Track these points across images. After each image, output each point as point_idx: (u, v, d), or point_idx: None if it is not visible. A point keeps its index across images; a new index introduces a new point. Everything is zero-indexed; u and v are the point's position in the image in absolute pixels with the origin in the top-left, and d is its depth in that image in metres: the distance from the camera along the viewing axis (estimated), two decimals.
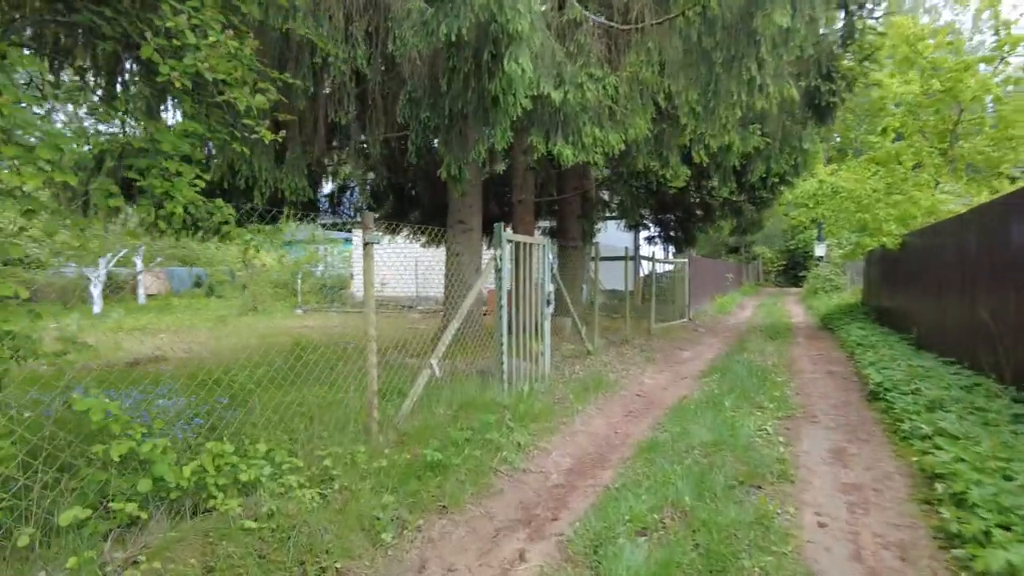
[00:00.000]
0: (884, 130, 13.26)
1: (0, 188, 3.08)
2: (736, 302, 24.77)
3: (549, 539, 3.56)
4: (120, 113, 5.66)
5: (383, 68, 7.11)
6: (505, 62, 4.66)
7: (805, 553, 3.37)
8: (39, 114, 4.13)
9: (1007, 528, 3.30)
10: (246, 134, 4.62)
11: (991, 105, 13.90)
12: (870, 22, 9.11)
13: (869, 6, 8.82)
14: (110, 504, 2.99)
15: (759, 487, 4.33)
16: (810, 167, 9.19)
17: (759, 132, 7.54)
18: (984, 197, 11.60)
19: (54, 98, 5.60)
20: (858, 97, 14.62)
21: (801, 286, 35.51)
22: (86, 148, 6.50)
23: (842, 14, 8.61)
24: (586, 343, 9.25)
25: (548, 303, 7.61)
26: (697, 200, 14.28)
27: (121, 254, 22.91)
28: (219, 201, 3.72)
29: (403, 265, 23.11)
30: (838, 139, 19.43)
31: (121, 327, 16.45)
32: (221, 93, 3.77)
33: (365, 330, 4.50)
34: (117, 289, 27.96)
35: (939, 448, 4.64)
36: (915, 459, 4.76)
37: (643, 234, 19.68)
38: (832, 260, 25.71)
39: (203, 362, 10.03)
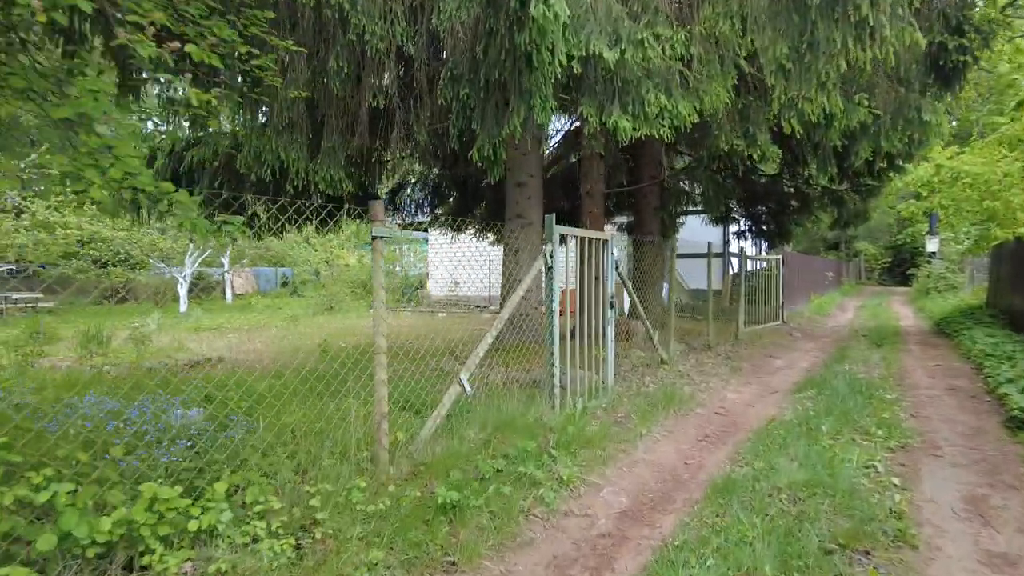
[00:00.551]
0: (1021, 104, 11.33)
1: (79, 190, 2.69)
2: (835, 303, 22.65)
3: None
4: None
5: (429, 48, 6.42)
6: (532, 5, 3.79)
7: None
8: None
9: None
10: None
11: None
12: None
13: None
14: None
15: (867, 553, 3.27)
16: (929, 145, 7.71)
17: (866, 103, 6.28)
18: None
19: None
20: (983, 71, 12.72)
21: (909, 285, 32.41)
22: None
23: None
24: (659, 350, 8.22)
25: (611, 306, 6.68)
26: (791, 189, 12.82)
27: (205, 254, 23.60)
28: (167, 185, 3.07)
29: (476, 264, 22.58)
30: (954, 123, 17.21)
31: (199, 326, 16.77)
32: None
33: (374, 339, 3.77)
34: (207, 289, 29.11)
35: None
36: None
37: (732, 228, 18.18)
38: (947, 256, 23.08)
39: (251, 365, 9.75)
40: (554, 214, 5.64)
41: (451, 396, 4.37)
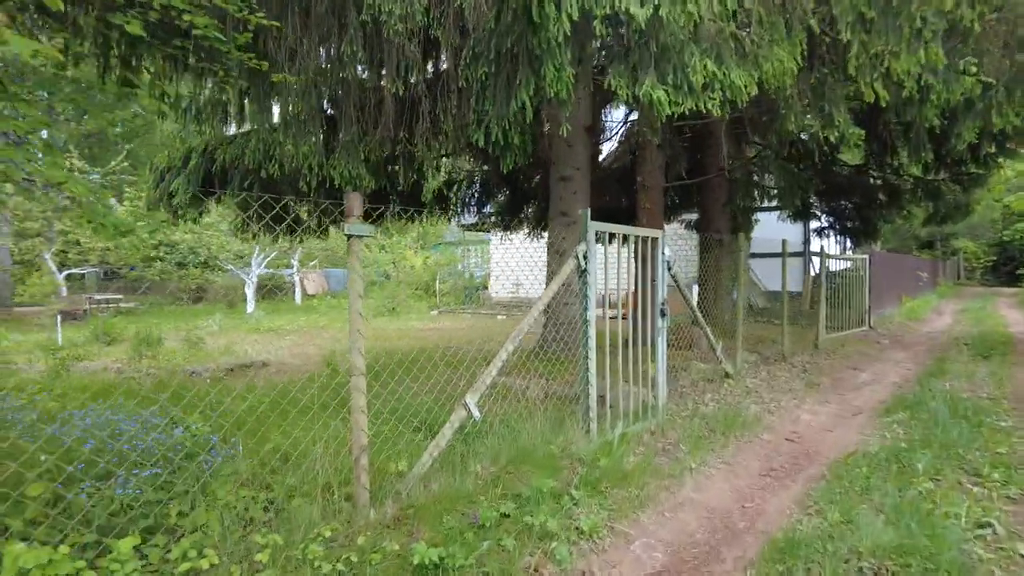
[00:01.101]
0: None
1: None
2: (931, 306, 20.60)
3: None
4: None
5: (456, 29, 5.81)
6: None
7: None
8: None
9: None
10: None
11: None
12: None
13: None
14: None
15: None
16: None
17: (973, 69, 5.20)
18: None
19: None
20: None
21: (1020, 285, 29.40)
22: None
23: None
24: (723, 362, 7.31)
25: (662, 313, 5.87)
26: (879, 180, 11.48)
27: (271, 256, 23.98)
28: (58, 172, 2.55)
29: (539, 265, 21.91)
30: None
31: (259, 327, 16.87)
32: None
33: (351, 359, 3.18)
34: (276, 290, 29.74)
35: None
36: None
37: (813, 225, 16.75)
38: None
39: (289, 371, 9.44)
40: (588, 209, 4.90)
41: (454, 423, 3.72)
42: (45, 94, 4.09)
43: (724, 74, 3.88)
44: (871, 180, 11.49)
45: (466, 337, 12.45)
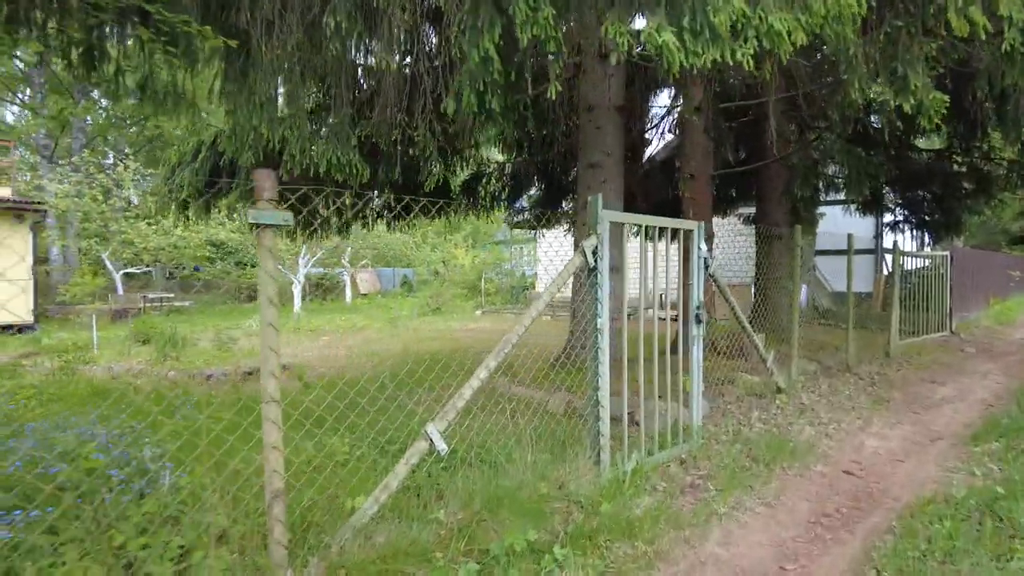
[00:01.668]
0: None
1: None
2: None
3: None
4: None
5: None
6: None
7: None
8: None
9: None
10: None
11: None
12: None
13: None
14: None
15: None
16: None
17: None
18: None
19: None
20: None
21: None
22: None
23: None
24: (774, 374, 6.34)
25: (697, 319, 5.00)
26: (964, 167, 10.13)
27: (317, 256, 23.92)
28: None
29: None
30: None
31: (299, 327, 16.66)
32: None
33: (262, 381, 2.51)
34: (330, 289, 29.87)
35: None
36: None
37: (885, 218, 15.27)
38: None
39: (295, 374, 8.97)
40: (600, 195, 4.11)
41: (411, 459, 3.00)
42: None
43: (760, 17, 3.01)
44: (954, 166, 10.14)
45: (480, 339, 11.76)
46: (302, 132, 5.06)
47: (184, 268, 28.97)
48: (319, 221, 8.81)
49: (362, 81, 5.33)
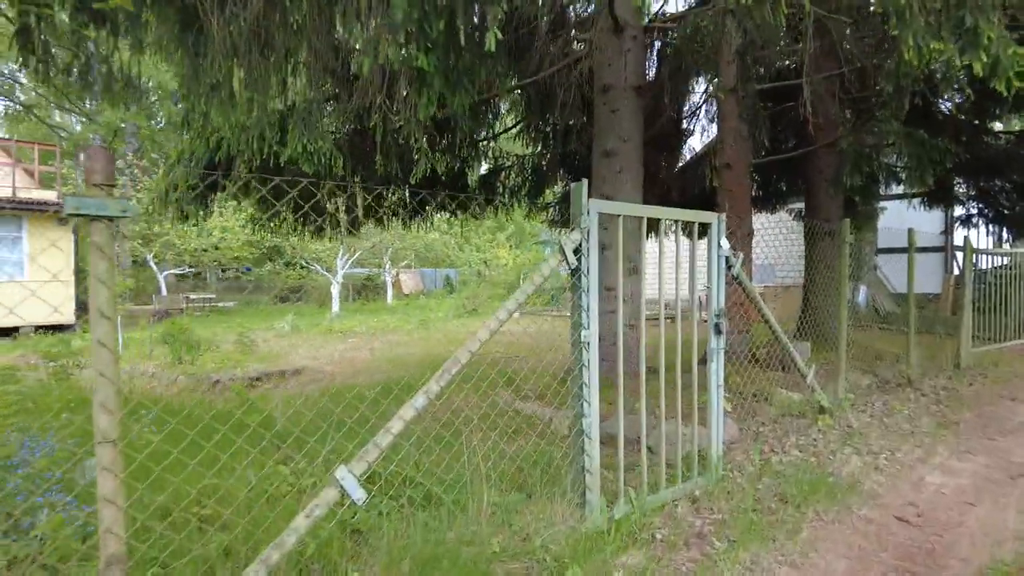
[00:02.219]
0: None
1: None
2: None
3: None
4: None
5: None
6: None
7: None
8: None
9: None
10: None
11: None
12: None
13: None
14: None
15: None
16: None
17: None
18: None
19: None
20: None
21: None
22: None
23: None
24: (815, 391, 5.46)
25: (717, 330, 4.22)
26: None
27: (355, 256, 23.74)
28: None
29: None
30: None
31: (331, 328, 16.40)
32: None
33: (95, 416, 1.93)
34: (366, 290, 29.79)
35: None
36: None
37: (956, 212, 13.88)
38: None
39: (314, 379, 8.53)
40: (585, 181, 3.41)
41: (314, 511, 2.37)
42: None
43: None
44: None
45: (530, 345, 11.11)
46: (269, 119, 4.53)
47: (230, 269, 29.40)
48: (325, 217, 8.33)
49: (336, 59, 4.75)
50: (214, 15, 4.14)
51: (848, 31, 5.76)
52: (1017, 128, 8.87)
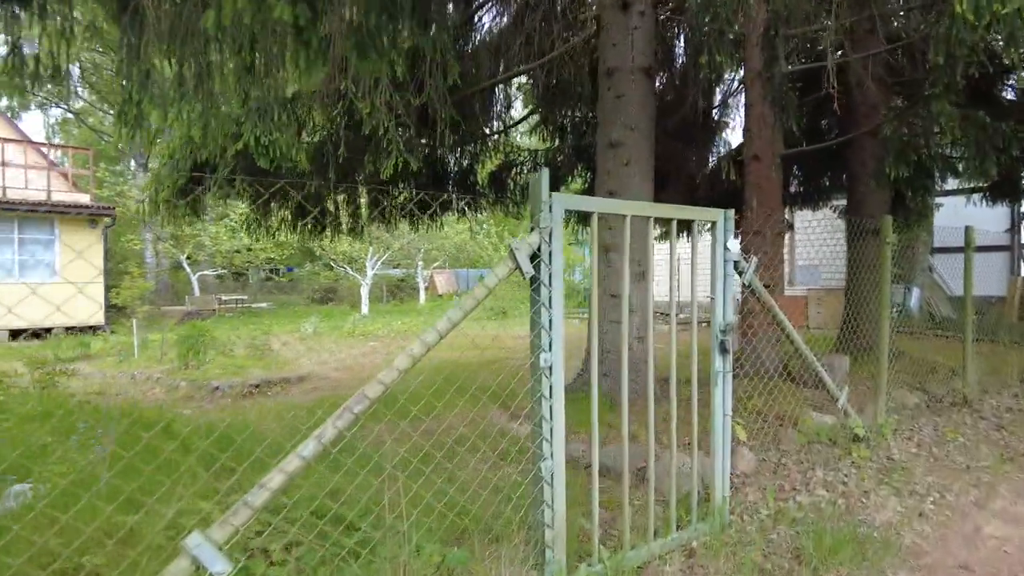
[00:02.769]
0: None
1: None
2: None
3: None
4: None
5: None
6: None
7: None
8: None
9: None
10: None
11: None
12: None
13: None
14: None
15: None
16: None
17: None
18: None
19: None
20: None
21: None
22: None
23: None
24: (849, 415, 4.70)
25: (722, 348, 3.53)
26: None
27: (384, 257, 23.48)
28: None
29: (667, 264, 19.20)
30: None
31: (353, 331, 16.09)
32: None
33: None
34: (398, 291, 29.58)
35: None
36: None
37: None
38: None
39: (316, 388, 8.10)
40: (547, 170, 2.80)
41: None
42: None
43: None
44: None
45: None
46: (215, 110, 4.05)
47: (268, 270, 29.57)
48: (326, 217, 7.89)
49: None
50: None
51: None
52: None
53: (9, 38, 3.79)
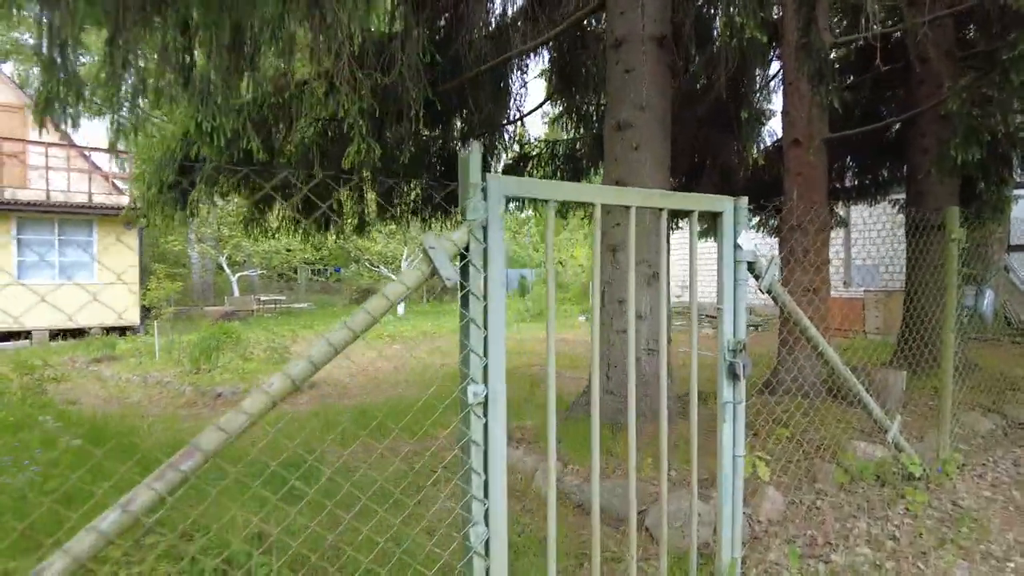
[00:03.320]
0: None
1: None
2: None
3: None
4: None
5: None
6: None
7: None
8: None
9: None
10: None
11: None
12: None
13: None
14: None
15: None
16: None
17: None
18: None
19: None
20: None
21: None
22: None
23: None
24: (902, 449, 3.86)
25: (733, 375, 2.79)
26: None
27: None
28: None
29: (707, 263, 18.18)
30: None
31: (381, 333, 15.71)
32: None
33: None
34: (450, 291, 29.17)
35: None
36: None
37: None
38: None
39: (320, 396, 7.61)
40: (478, 144, 2.15)
41: None
42: None
43: None
44: None
45: (567, 362, 9.83)
46: (157, 88, 3.54)
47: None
48: (331, 217, 7.41)
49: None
50: None
51: None
52: None
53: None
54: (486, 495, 2.09)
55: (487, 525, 2.09)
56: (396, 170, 6.46)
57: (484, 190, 2.11)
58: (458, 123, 7.33)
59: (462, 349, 2.13)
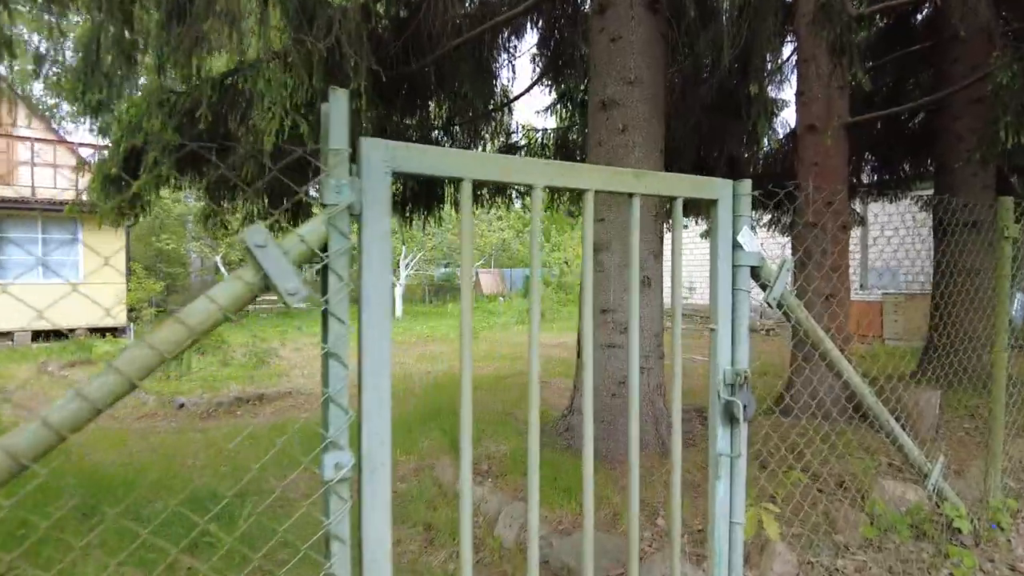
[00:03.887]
0: None
1: None
2: None
3: None
4: None
5: None
6: None
7: None
8: None
9: None
10: None
11: None
12: None
13: None
14: None
15: None
16: None
17: None
18: None
19: None
20: None
21: None
22: None
23: None
24: (945, 496, 3.15)
25: (730, 416, 2.09)
26: None
27: (419, 256, 22.48)
28: None
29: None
30: None
31: None
32: None
33: None
34: (452, 291, 28.58)
35: None
36: None
37: None
38: None
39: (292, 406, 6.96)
40: (343, 93, 1.44)
41: None
42: None
43: None
44: None
45: (562, 370, 9.12)
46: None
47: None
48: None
49: None
50: None
51: None
52: None
53: None
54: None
55: None
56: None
57: (357, 161, 1.43)
58: (437, 109, 6.65)
59: (323, 395, 1.45)
